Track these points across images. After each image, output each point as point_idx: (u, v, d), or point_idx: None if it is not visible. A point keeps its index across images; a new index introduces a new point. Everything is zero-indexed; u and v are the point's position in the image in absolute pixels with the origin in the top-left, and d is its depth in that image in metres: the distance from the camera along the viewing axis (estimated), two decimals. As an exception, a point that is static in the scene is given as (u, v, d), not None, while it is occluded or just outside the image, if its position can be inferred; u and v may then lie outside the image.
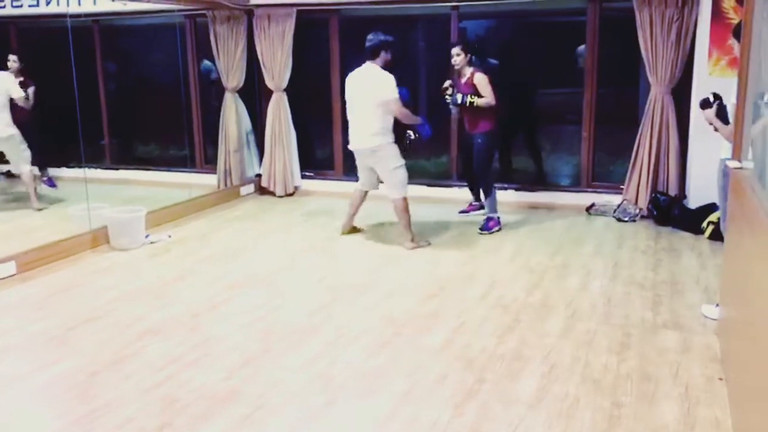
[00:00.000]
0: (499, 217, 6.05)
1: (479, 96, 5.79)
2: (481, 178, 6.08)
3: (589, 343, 3.74)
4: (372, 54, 5.47)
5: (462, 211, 6.62)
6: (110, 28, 8.58)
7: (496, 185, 6.18)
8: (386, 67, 5.48)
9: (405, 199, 5.63)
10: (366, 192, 5.93)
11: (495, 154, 6.21)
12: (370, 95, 5.41)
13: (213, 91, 8.00)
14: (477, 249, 5.52)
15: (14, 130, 6.81)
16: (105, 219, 5.76)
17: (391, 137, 5.53)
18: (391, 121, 5.48)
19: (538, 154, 7.65)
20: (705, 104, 4.07)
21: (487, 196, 6.06)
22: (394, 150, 5.56)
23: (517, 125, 7.54)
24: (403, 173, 5.61)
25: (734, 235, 3.40)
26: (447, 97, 5.98)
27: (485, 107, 5.81)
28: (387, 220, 6.44)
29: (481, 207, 6.34)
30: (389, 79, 5.39)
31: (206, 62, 8.05)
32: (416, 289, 4.63)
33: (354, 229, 6.08)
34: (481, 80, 5.80)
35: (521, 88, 7.56)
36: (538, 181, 7.40)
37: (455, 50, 5.90)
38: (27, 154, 6.94)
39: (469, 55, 5.89)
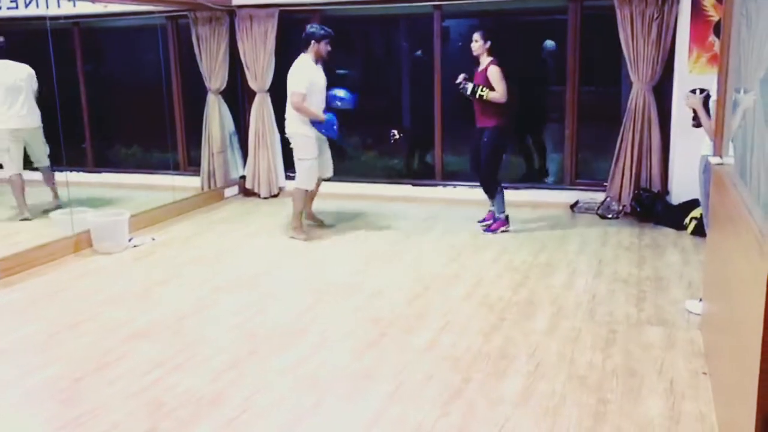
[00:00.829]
0: (507, 217, 5.89)
1: (491, 89, 5.63)
2: (483, 177, 5.85)
3: (575, 340, 3.76)
4: (304, 45, 5.75)
5: (481, 221, 6.18)
6: (91, 30, 8.52)
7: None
8: (320, 58, 5.75)
9: (301, 190, 5.90)
10: (318, 178, 6.07)
11: (503, 153, 5.92)
12: (288, 84, 5.72)
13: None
14: (462, 248, 5.53)
15: (40, 122, 6.69)
16: (88, 222, 5.72)
17: (303, 128, 5.71)
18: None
19: (537, 151, 7.69)
20: (693, 91, 4.12)
21: (491, 197, 5.90)
22: (304, 141, 5.76)
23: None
24: (306, 167, 5.82)
25: (716, 231, 3.43)
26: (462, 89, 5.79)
27: (495, 102, 5.65)
28: (369, 220, 6.44)
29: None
30: (297, 73, 5.67)
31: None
32: (401, 289, 4.63)
33: (315, 219, 6.29)
34: (494, 73, 5.62)
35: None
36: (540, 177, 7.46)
37: (474, 36, 5.75)
38: (47, 149, 6.79)
39: (488, 43, 5.69)
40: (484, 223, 6.07)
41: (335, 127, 5.76)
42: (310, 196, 6.17)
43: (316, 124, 5.73)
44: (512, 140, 6.19)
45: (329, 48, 5.75)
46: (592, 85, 7.31)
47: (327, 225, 6.27)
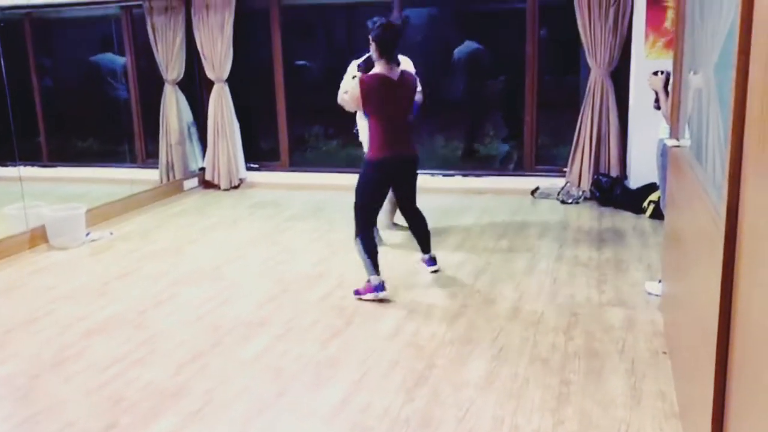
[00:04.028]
0: (381, 283, 4.17)
1: None
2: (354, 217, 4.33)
3: (537, 323, 3.79)
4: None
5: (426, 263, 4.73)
6: (43, 21, 8.29)
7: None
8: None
9: None
10: None
11: (377, 198, 4.34)
12: None
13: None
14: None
15: None
16: (43, 217, 5.58)
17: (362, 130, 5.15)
18: (363, 117, 4.80)
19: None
20: (655, 73, 4.15)
21: (357, 246, 4.30)
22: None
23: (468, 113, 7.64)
24: None
25: (674, 212, 3.48)
26: None
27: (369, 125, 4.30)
28: (331, 209, 6.40)
29: (433, 261, 4.68)
30: (350, 67, 4.99)
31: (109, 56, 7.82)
32: (365, 279, 4.61)
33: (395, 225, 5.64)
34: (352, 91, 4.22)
35: (467, 76, 7.65)
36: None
37: None
38: None
39: (371, 41, 4.17)
40: (430, 267, 4.67)
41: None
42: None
43: None
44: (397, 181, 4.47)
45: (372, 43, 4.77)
46: (552, 74, 7.37)
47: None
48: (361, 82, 4.13)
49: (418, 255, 4.78)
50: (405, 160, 4.36)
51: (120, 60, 7.73)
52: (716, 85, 2.52)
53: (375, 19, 4.21)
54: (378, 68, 4.17)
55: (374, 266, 4.23)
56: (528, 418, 2.86)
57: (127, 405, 3.06)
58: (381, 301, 4.17)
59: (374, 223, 4.46)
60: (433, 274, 4.64)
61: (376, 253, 4.29)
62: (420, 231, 4.68)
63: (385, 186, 4.41)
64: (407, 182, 4.51)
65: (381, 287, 4.19)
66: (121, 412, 3.00)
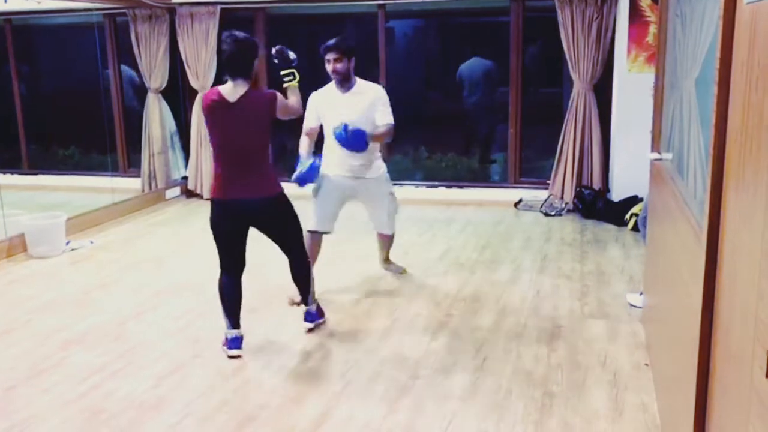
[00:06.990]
0: (235, 338, 3.57)
1: None
2: None
3: (520, 335, 3.79)
4: None
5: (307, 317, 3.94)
6: (24, 28, 8.24)
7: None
8: (334, 78, 4.32)
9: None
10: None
11: (222, 238, 3.64)
12: None
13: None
14: (408, 247, 5.52)
15: None
16: (22, 226, 5.52)
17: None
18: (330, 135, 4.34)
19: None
20: None
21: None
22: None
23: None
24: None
25: (656, 225, 3.50)
26: None
27: None
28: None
29: (311, 315, 3.90)
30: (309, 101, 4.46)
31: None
32: (347, 291, 4.59)
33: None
34: None
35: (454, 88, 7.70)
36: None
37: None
38: None
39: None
40: (306, 323, 3.89)
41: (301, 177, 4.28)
42: (380, 244, 4.84)
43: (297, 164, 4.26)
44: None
45: (329, 66, 4.25)
46: (536, 88, 7.43)
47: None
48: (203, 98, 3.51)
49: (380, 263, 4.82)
50: (247, 206, 3.54)
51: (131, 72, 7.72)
52: (697, 99, 2.54)
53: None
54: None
55: (229, 317, 3.57)
56: (511, 430, 2.85)
57: (105, 417, 3.02)
58: (231, 357, 3.52)
59: (240, 268, 3.68)
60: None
61: (234, 302, 3.61)
62: (298, 278, 3.90)
63: (229, 230, 3.60)
64: (269, 227, 3.75)
65: (234, 343, 3.53)
66: (100, 425, 2.96)
